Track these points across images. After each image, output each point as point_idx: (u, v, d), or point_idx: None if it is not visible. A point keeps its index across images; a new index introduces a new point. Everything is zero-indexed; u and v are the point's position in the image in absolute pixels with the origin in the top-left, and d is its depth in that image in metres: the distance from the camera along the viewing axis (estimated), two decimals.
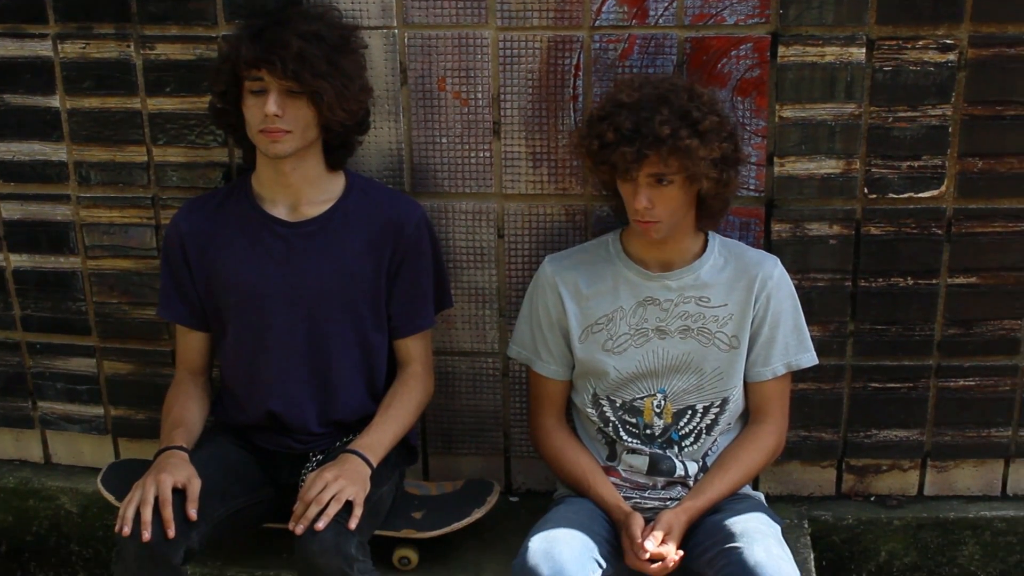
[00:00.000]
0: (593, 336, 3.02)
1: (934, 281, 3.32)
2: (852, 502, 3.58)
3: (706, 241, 3.05)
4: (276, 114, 2.89)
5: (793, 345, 3.05)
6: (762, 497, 3.22)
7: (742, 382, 3.05)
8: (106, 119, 3.38)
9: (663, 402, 3.03)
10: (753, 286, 2.99)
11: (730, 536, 2.84)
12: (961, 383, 3.43)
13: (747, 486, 3.14)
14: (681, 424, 3.05)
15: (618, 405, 3.04)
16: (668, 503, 3.02)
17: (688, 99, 2.81)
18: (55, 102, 3.39)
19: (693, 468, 3.06)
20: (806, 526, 3.47)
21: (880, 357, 3.41)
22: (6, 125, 3.44)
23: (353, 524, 2.86)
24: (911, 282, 3.32)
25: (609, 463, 3.10)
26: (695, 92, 2.84)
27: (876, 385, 3.44)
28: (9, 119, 3.43)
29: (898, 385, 3.44)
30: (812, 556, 3.34)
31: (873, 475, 3.58)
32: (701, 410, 3.04)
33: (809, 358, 3.08)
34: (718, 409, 3.04)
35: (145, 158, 3.39)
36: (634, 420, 3.05)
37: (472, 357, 3.51)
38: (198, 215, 3.14)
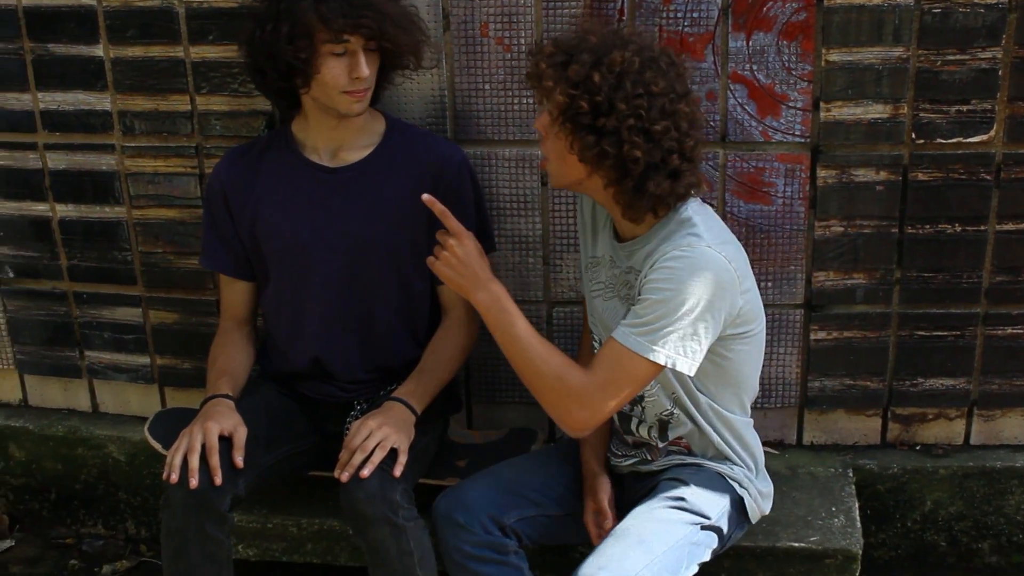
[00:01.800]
0: (588, 273, 2.98)
1: (982, 228, 3.28)
2: (897, 451, 3.56)
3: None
4: (367, 75, 2.90)
5: (656, 328, 2.66)
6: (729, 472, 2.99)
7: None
8: (149, 68, 3.39)
9: None
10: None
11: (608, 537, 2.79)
12: (1009, 331, 3.40)
13: (681, 431, 2.96)
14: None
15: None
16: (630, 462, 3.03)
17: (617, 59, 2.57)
18: (99, 51, 3.40)
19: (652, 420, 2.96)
20: (851, 475, 3.46)
21: (927, 305, 3.38)
22: (50, 75, 3.46)
23: (398, 471, 2.88)
24: (959, 229, 3.29)
25: None
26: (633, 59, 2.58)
27: (922, 333, 3.41)
28: (53, 69, 3.45)
29: (945, 333, 3.41)
30: (856, 505, 3.33)
31: (919, 424, 3.55)
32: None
33: (638, 345, 2.67)
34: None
35: (188, 107, 3.40)
36: None
37: (520, 306, 3.49)
38: (239, 165, 3.15)
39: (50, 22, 3.40)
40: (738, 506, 2.94)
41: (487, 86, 3.29)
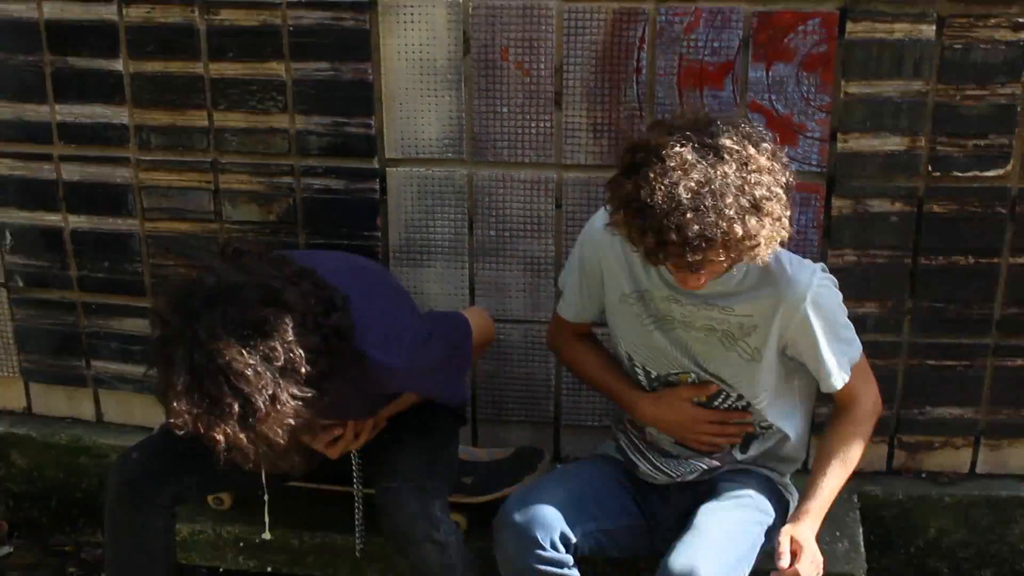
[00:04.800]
0: (628, 306, 2.93)
1: (995, 260, 3.30)
2: (903, 478, 3.58)
3: None
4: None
5: (844, 351, 2.86)
6: (780, 481, 3.13)
7: (770, 392, 2.95)
8: (168, 83, 3.38)
9: (697, 380, 2.95)
10: (778, 308, 2.77)
11: (684, 529, 2.86)
12: (1019, 362, 3.41)
13: (769, 443, 3.06)
14: (718, 402, 2.97)
15: (653, 376, 2.99)
16: (687, 475, 3.04)
17: (750, 172, 2.50)
18: (118, 65, 3.39)
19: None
20: (856, 501, 3.47)
21: (937, 335, 3.40)
22: (69, 87, 3.46)
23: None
24: (972, 261, 3.30)
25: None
26: (749, 156, 2.51)
27: (932, 362, 3.42)
28: (72, 81, 3.45)
29: (954, 363, 3.42)
30: (861, 531, 3.35)
31: (925, 452, 3.57)
32: (735, 396, 2.96)
33: (857, 350, 2.90)
34: (746, 403, 2.96)
35: (206, 123, 3.40)
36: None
37: (526, 325, 3.51)
38: None
39: (70, 35, 3.39)
40: (784, 510, 3.05)
41: (505, 109, 3.29)
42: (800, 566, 2.69)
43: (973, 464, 3.58)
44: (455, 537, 2.96)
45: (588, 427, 3.56)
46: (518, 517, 2.85)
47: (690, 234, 2.41)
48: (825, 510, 2.88)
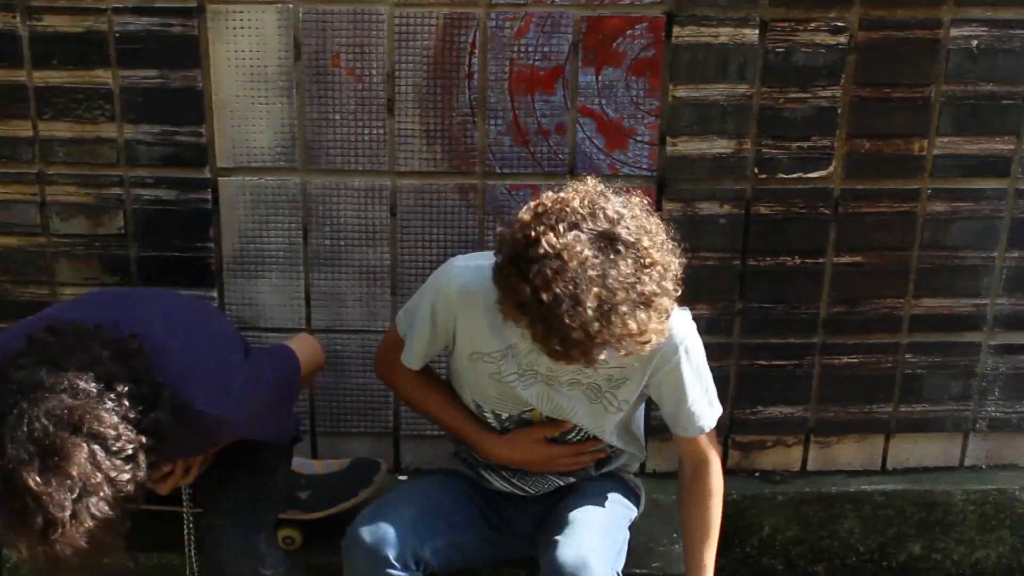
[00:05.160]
0: (483, 364, 2.87)
1: (821, 260, 3.39)
2: (737, 478, 3.63)
3: None
4: None
5: (705, 409, 2.86)
6: (631, 480, 3.18)
7: (617, 428, 2.98)
8: None
9: (547, 419, 2.94)
10: (652, 359, 2.75)
11: (558, 526, 2.88)
12: (844, 360, 3.51)
13: (620, 461, 3.10)
14: (571, 436, 2.97)
15: (504, 417, 2.95)
16: (544, 490, 3.05)
17: (643, 268, 2.46)
18: None
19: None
20: None
21: (767, 335, 3.48)
22: None
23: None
24: (798, 261, 3.38)
25: None
26: (644, 262, 2.47)
27: (762, 363, 3.50)
28: None
29: (784, 363, 3.51)
30: None
31: (758, 451, 3.64)
32: (584, 434, 2.97)
33: (715, 414, 2.90)
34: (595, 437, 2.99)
35: (31, 132, 3.29)
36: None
37: (363, 336, 3.48)
38: None
39: None
40: (638, 502, 3.16)
41: (337, 116, 3.27)
42: None
43: (804, 462, 3.67)
44: (283, 568, 2.92)
45: (428, 436, 3.54)
46: (368, 536, 2.82)
47: (592, 332, 2.38)
48: None
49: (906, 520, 3.65)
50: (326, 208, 3.35)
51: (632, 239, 2.44)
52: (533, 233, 2.42)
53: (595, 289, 2.37)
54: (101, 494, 2.29)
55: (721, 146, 3.27)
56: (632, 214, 2.49)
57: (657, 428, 3.45)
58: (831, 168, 3.29)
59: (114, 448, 2.31)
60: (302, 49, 3.21)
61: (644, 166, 3.28)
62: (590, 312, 2.37)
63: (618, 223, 2.44)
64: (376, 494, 3.27)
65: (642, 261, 2.44)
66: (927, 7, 3.17)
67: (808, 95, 3.22)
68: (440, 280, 2.84)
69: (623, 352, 2.46)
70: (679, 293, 2.55)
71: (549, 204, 2.47)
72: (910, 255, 3.40)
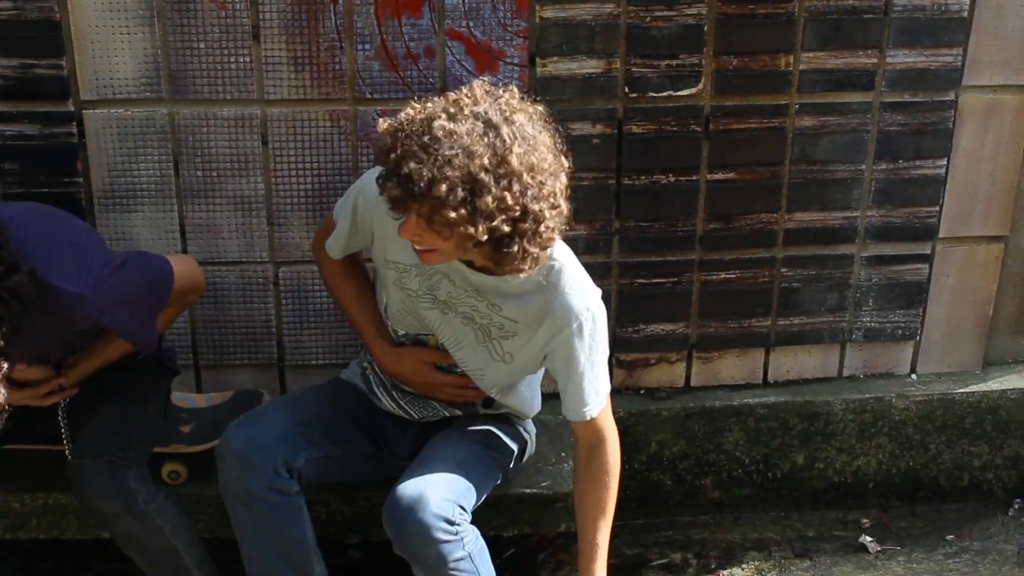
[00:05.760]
0: (391, 271, 2.88)
1: (694, 178, 3.40)
2: (623, 396, 3.67)
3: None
4: None
5: (590, 396, 2.85)
6: (521, 423, 3.19)
7: (504, 387, 3.00)
8: None
9: (443, 347, 2.94)
10: (543, 323, 2.77)
11: (419, 458, 2.92)
12: (723, 276, 3.54)
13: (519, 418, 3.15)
14: (460, 370, 2.96)
15: (401, 334, 2.97)
16: (429, 417, 3.08)
17: (491, 164, 2.42)
18: None
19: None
20: None
21: (645, 254, 3.50)
22: None
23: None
24: (672, 179, 3.40)
25: None
26: (504, 157, 2.43)
27: (642, 281, 3.52)
28: None
29: (663, 280, 3.53)
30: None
31: (642, 369, 3.68)
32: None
33: (601, 403, 2.89)
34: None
35: None
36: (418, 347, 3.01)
37: (241, 267, 3.46)
38: None
39: None
40: (523, 447, 3.15)
41: (201, 44, 3.21)
42: None
43: (688, 378, 3.72)
44: (157, 503, 2.91)
45: (314, 366, 3.54)
46: (237, 444, 2.84)
47: (406, 170, 2.38)
48: (606, 563, 2.96)
49: (789, 431, 3.71)
50: (196, 139, 3.31)
51: (507, 138, 2.44)
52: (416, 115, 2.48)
53: (440, 133, 2.40)
54: None
55: (591, 66, 3.26)
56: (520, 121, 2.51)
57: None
58: (700, 85, 3.30)
59: None
60: None
61: (516, 87, 3.25)
62: (421, 148, 2.39)
63: (508, 122, 2.47)
64: None
65: (497, 154, 2.43)
66: None
67: (674, 13, 3.22)
68: (365, 179, 2.87)
69: (434, 226, 2.44)
70: (565, 212, 2.56)
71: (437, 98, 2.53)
72: (781, 170, 3.43)
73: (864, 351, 3.75)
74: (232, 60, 3.23)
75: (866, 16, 3.27)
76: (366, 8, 3.18)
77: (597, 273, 3.38)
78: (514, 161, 2.42)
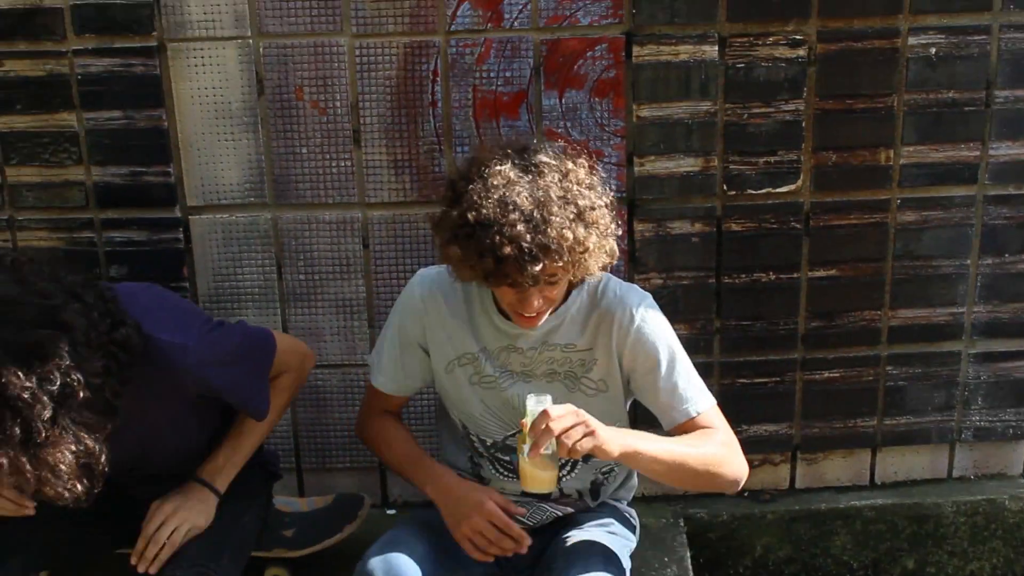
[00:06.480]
0: (460, 368, 2.86)
1: (795, 275, 3.38)
2: (726, 498, 3.61)
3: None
4: None
5: (688, 386, 2.77)
6: (627, 510, 3.11)
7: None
8: None
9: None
10: (612, 329, 2.74)
11: (561, 557, 2.82)
12: (826, 375, 3.49)
13: (613, 487, 3.05)
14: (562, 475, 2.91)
15: (489, 444, 2.92)
16: (544, 521, 2.99)
17: (571, 184, 2.53)
18: None
19: (585, 483, 2.98)
20: (682, 524, 3.50)
21: (747, 353, 3.46)
22: None
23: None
24: (773, 277, 3.38)
25: None
26: (568, 170, 2.55)
27: (744, 381, 3.48)
28: None
29: (765, 380, 3.49)
30: (688, 554, 3.36)
31: None
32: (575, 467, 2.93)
33: (705, 396, 2.80)
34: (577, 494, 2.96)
35: None
36: (508, 458, 2.93)
37: (343, 369, 3.49)
38: None
39: None
40: (634, 532, 3.05)
41: (304, 149, 3.28)
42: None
43: (792, 479, 3.65)
44: None
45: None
46: (380, 571, 2.76)
47: (525, 244, 2.41)
48: (633, 440, 2.61)
49: (898, 534, 3.62)
50: (299, 242, 3.36)
51: (554, 161, 2.55)
52: (460, 168, 2.62)
53: (519, 200, 2.44)
54: (75, 403, 2.30)
55: (688, 164, 3.27)
56: (553, 145, 2.64)
57: None
58: (799, 182, 3.29)
59: (83, 340, 2.33)
60: (265, 84, 3.22)
61: (613, 188, 3.24)
62: (519, 222, 2.42)
63: (539, 152, 2.57)
64: (361, 529, 3.26)
65: (568, 177, 2.53)
66: (883, 16, 3.19)
67: (772, 109, 3.22)
68: (404, 295, 2.88)
69: (560, 262, 2.47)
70: (619, 232, 2.63)
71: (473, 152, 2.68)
72: (884, 266, 3.39)
73: (974, 451, 3.66)
74: (334, 164, 3.29)
75: (967, 109, 3.25)
76: (464, 111, 3.23)
77: (698, 372, 3.37)
78: (580, 173, 2.58)
